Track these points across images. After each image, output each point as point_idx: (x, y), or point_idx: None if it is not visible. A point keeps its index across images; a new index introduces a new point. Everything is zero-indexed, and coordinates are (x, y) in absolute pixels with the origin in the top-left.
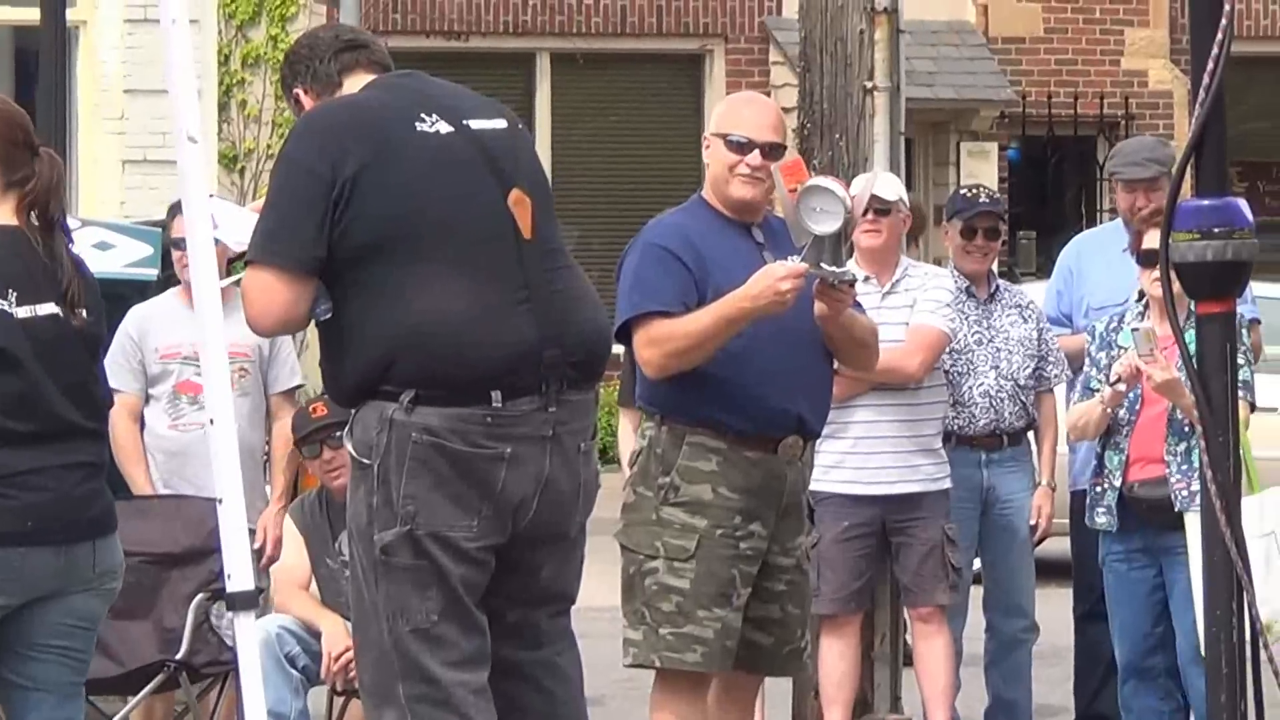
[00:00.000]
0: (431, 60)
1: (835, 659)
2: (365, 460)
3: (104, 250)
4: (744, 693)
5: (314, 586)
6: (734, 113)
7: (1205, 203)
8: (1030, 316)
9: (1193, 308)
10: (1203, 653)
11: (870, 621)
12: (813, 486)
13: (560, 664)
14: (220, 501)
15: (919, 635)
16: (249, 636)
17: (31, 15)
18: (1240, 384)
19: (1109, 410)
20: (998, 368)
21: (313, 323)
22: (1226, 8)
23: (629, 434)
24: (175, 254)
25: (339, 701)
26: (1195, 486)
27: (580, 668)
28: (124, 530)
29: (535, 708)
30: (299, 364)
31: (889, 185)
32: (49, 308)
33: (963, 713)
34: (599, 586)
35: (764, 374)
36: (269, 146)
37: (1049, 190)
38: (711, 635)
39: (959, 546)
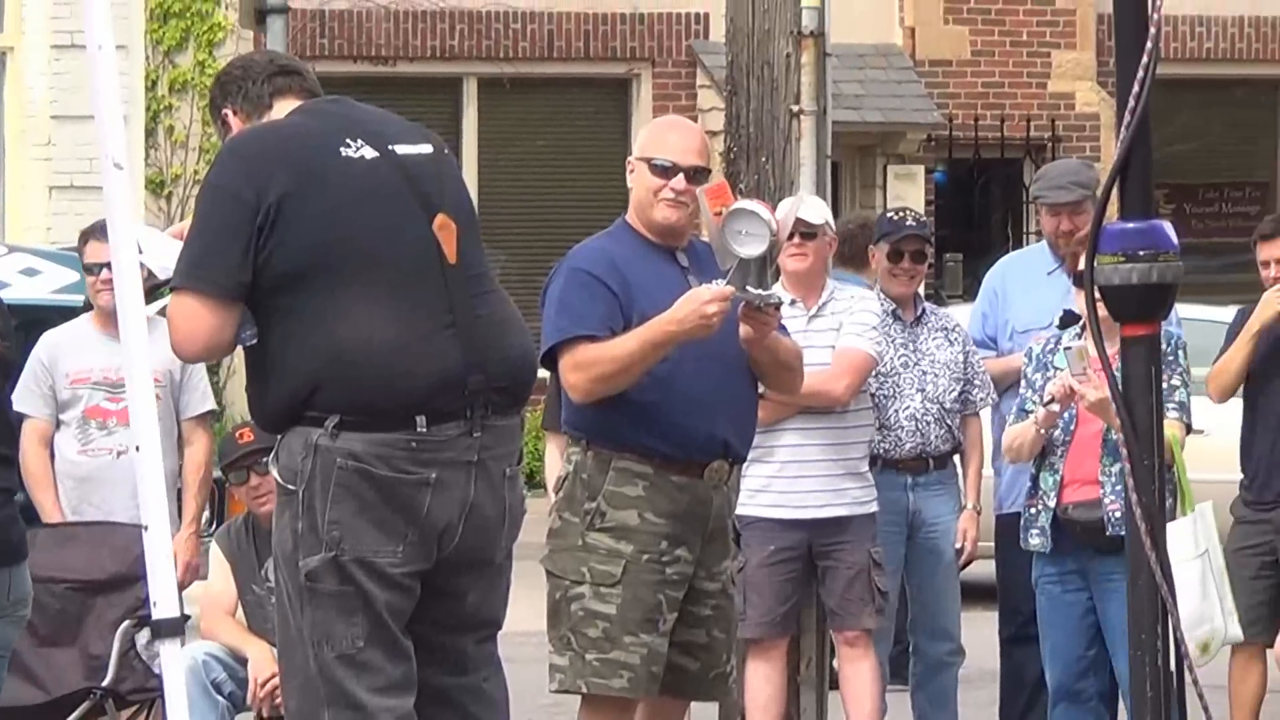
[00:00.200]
0: (358, 85)
1: (761, 683)
2: (290, 486)
3: (31, 276)
4: (670, 718)
5: (240, 613)
6: (658, 137)
7: (1130, 225)
8: (956, 340)
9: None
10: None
11: (796, 645)
12: (739, 510)
13: (486, 689)
14: (146, 528)
15: (845, 659)
16: (175, 663)
17: None
18: (1176, 405)
19: (1043, 431)
20: (923, 391)
21: (239, 348)
22: (1152, 30)
23: (555, 459)
24: (88, 279)
25: None
26: None
27: (506, 693)
28: (50, 557)
29: None
30: (210, 389)
31: (815, 209)
32: None
33: None
34: (525, 611)
35: (690, 398)
36: (196, 172)
37: (976, 213)
38: (638, 661)
39: (885, 570)
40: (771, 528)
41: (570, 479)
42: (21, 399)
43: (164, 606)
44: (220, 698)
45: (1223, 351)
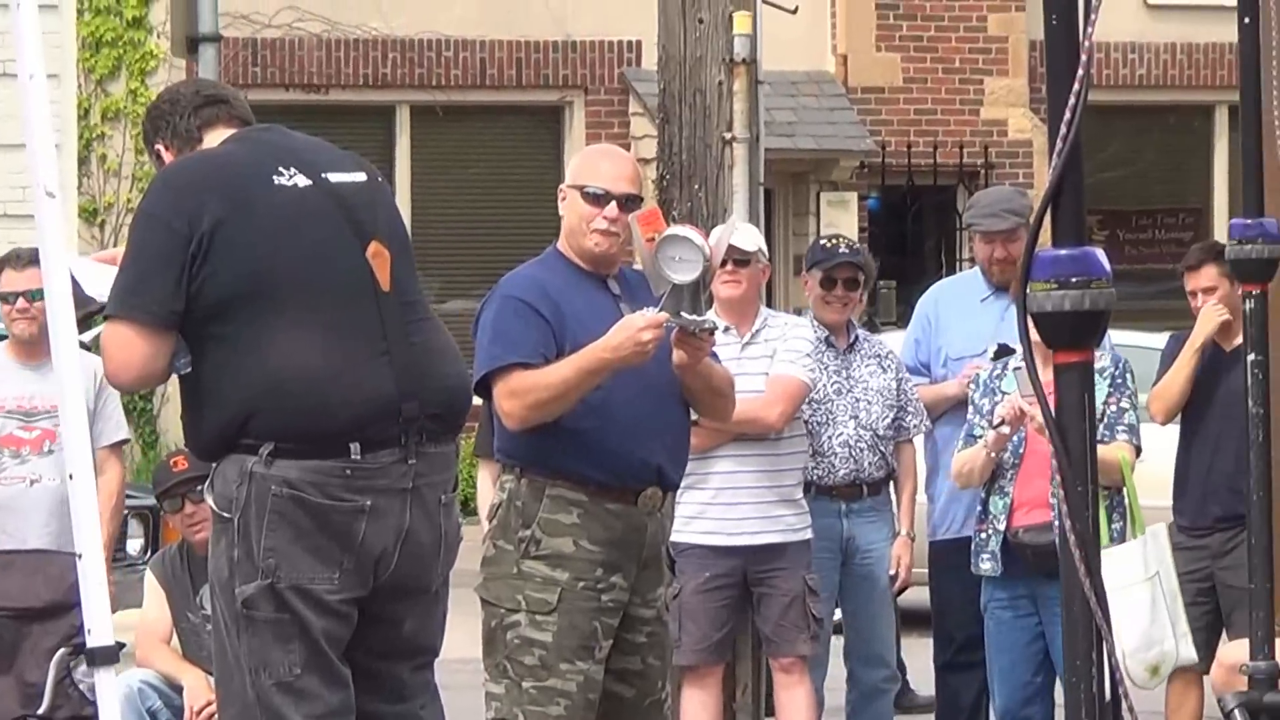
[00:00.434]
0: (291, 113)
1: (697, 710)
2: (226, 514)
3: None
4: None
5: (175, 640)
6: (590, 165)
7: (1063, 252)
8: (889, 366)
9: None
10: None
11: (732, 672)
12: (674, 537)
13: (423, 717)
14: (80, 556)
15: (780, 685)
16: (110, 691)
17: None
18: (1126, 428)
19: (993, 454)
20: (857, 418)
21: (173, 376)
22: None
23: (487, 486)
24: (3, 308)
25: None
26: None
27: None
28: None
29: None
30: (124, 419)
31: (748, 236)
32: None
33: None
34: (461, 638)
35: (623, 425)
36: (129, 200)
37: (909, 240)
38: (574, 688)
39: (820, 597)
40: (706, 554)
41: (504, 507)
42: None
43: (99, 634)
44: None
45: (1159, 377)
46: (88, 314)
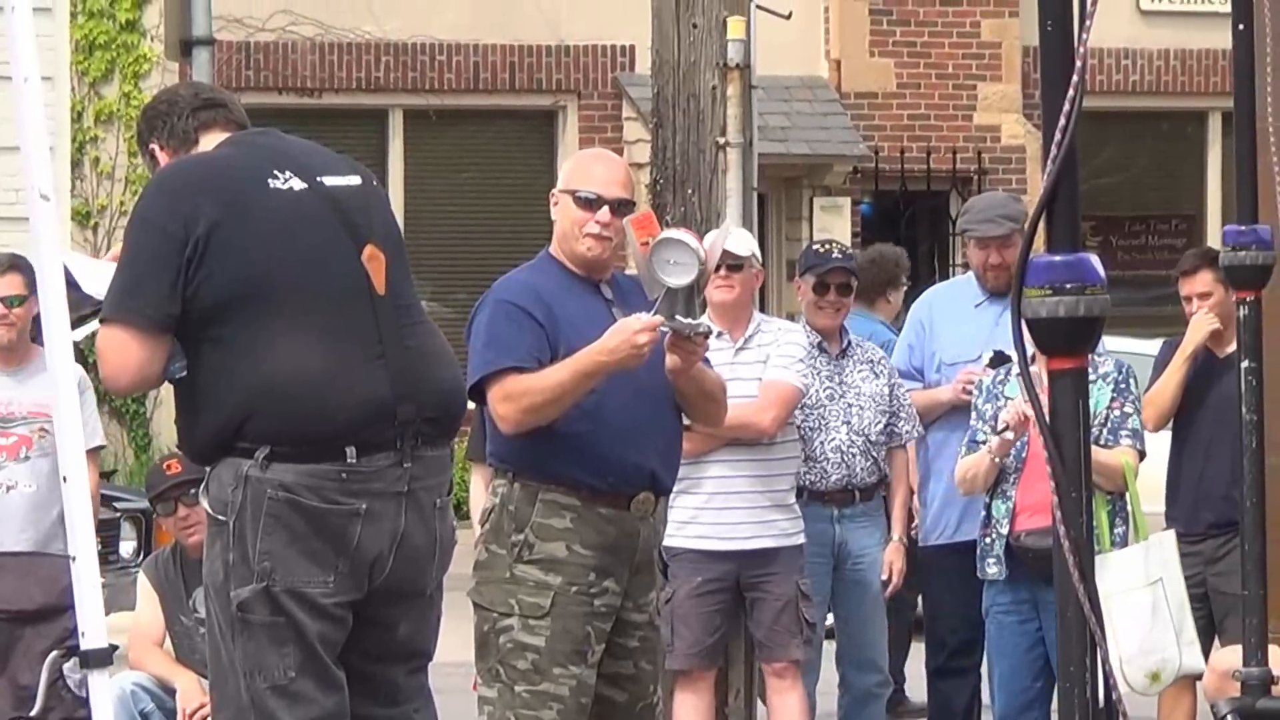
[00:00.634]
0: (284, 116)
1: (689, 714)
2: (221, 517)
3: None
4: None
5: (168, 643)
6: (583, 169)
7: (1057, 258)
8: (882, 372)
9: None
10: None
11: (724, 677)
12: (667, 542)
13: None
14: (73, 558)
15: (773, 690)
16: (103, 694)
17: None
18: (1130, 433)
19: (997, 460)
20: (849, 423)
21: (168, 380)
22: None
23: (480, 490)
24: None
25: None
26: None
27: None
28: None
29: None
30: (100, 425)
31: (741, 241)
32: None
33: None
34: (454, 642)
35: (616, 430)
36: (122, 203)
37: (902, 245)
38: (567, 693)
39: (813, 601)
40: (699, 559)
41: (497, 511)
42: None
43: (92, 636)
44: None
45: (1151, 383)
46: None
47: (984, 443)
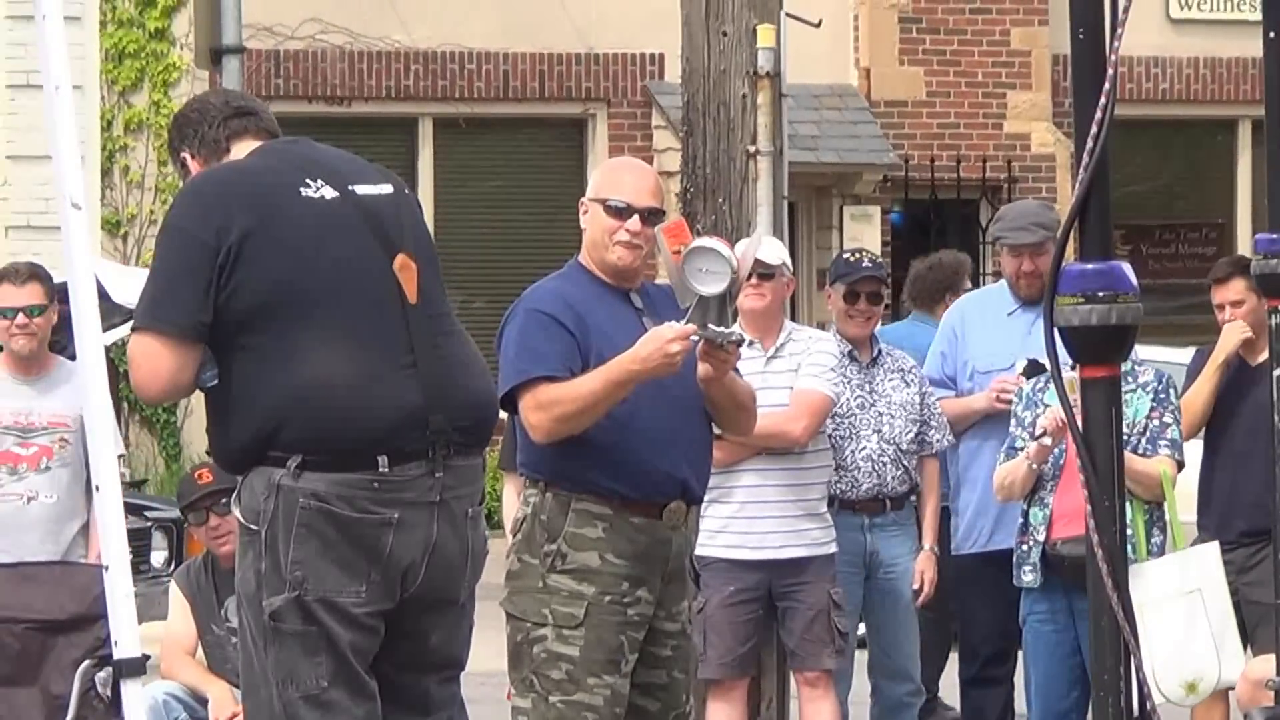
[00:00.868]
0: (314, 125)
1: None
2: (253, 526)
3: None
4: None
5: (200, 653)
6: (613, 178)
7: (1089, 267)
8: (913, 381)
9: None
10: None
11: (756, 686)
12: (698, 551)
13: None
14: (106, 568)
15: (805, 699)
16: (136, 703)
17: None
18: (1169, 443)
19: (1035, 466)
20: (880, 432)
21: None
22: (1110, 72)
23: (511, 500)
24: (2, 323)
25: None
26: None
27: None
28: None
29: None
30: (119, 434)
31: (772, 249)
32: None
33: None
34: (486, 651)
35: (648, 439)
36: (152, 212)
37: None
38: (601, 702)
39: (844, 610)
40: (731, 568)
41: (529, 521)
42: None
43: (125, 646)
44: None
45: (1183, 392)
46: (110, 325)
47: (1022, 449)
